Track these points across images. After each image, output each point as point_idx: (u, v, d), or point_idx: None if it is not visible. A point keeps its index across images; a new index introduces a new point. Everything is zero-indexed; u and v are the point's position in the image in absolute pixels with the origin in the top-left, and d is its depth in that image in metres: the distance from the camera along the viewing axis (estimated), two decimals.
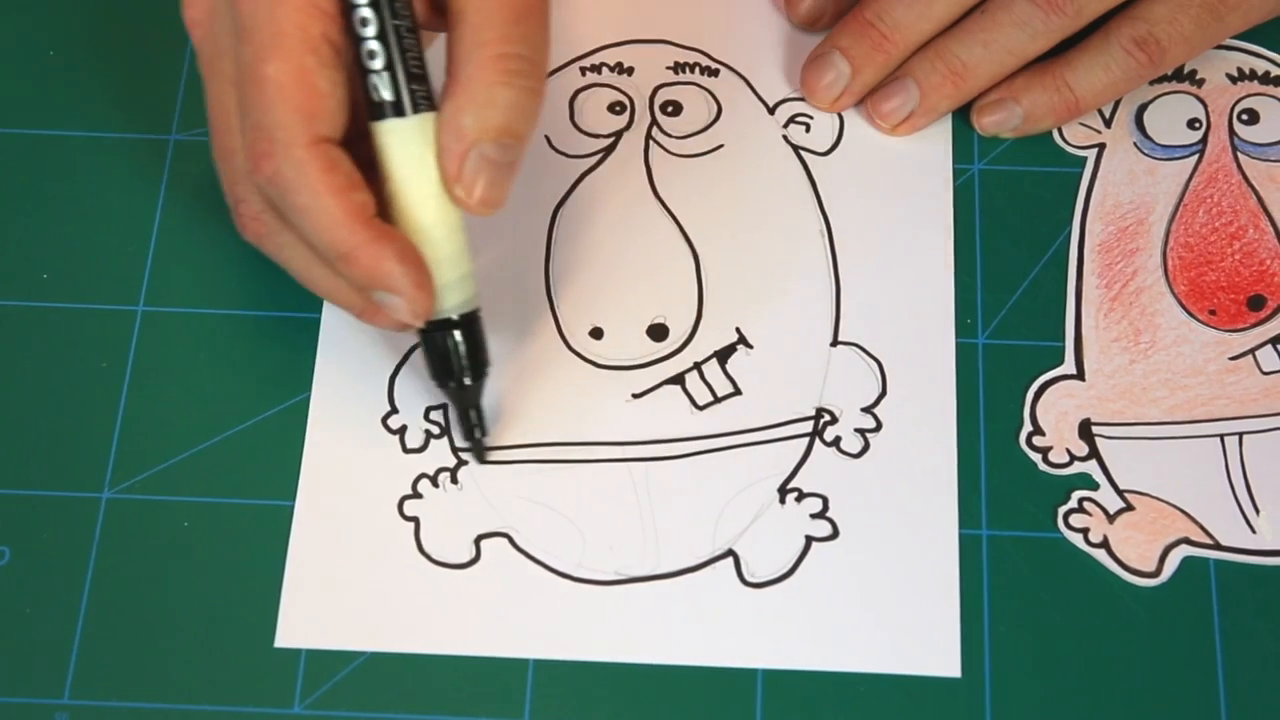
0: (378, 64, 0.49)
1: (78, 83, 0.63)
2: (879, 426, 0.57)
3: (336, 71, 0.48)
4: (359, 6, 0.48)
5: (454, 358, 0.53)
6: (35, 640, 0.54)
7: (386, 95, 0.49)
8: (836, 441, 0.57)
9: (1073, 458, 0.56)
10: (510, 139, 0.49)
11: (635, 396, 0.57)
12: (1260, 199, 0.60)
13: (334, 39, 0.48)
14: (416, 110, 0.49)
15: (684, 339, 0.58)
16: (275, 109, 0.48)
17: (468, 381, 0.53)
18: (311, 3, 0.48)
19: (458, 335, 0.52)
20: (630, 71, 0.63)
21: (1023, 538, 0.55)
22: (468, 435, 0.55)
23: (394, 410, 0.57)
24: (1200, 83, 0.63)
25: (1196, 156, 0.61)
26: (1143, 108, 0.62)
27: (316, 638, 0.54)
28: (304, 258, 0.52)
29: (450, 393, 0.54)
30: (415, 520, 0.56)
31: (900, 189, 0.61)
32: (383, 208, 0.50)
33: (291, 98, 0.48)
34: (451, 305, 0.52)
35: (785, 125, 0.62)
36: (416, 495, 0.56)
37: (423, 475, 0.56)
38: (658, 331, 0.59)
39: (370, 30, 0.48)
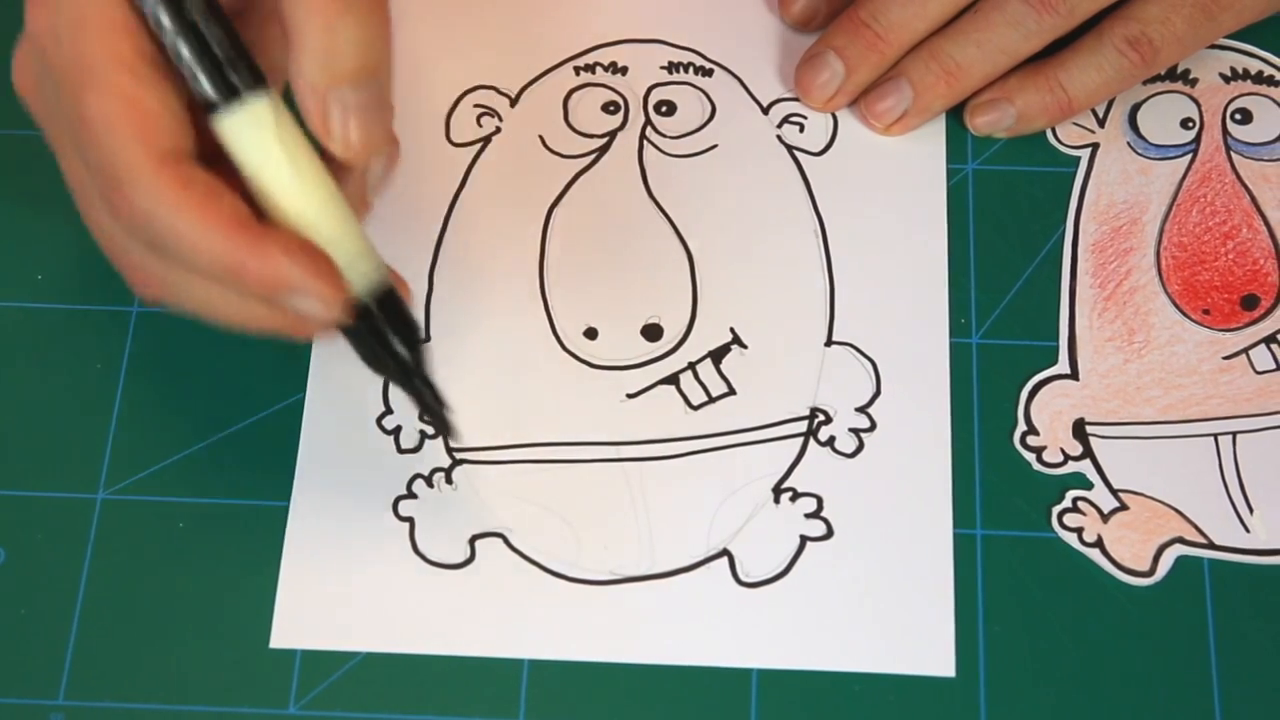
0: (185, 59, 0.45)
1: None
2: (873, 426, 0.57)
3: (162, 85, 0.45)
4: (149, 8, 0.45)
5: (380, 338, 0.48)
6: (30, 641, 0.54)
7: (208, 90, 0.45)
8: (831, 441, 0.57)
9: (1067, 457, 0.56)
10: (365, 75, 0.46)
11: (630, 396, 0.58)
12: (1254, 198, 0.60)
13: (148, 52, 0.45)
14: (240, 96, 0.45)
15: (678, 339, 0.58)
16: (107, 142, 0.44)
17: (404, 355, 0.49)
18: (110, 23, 0.45)
19: (376, 318, 0.48)
20: (624, 71, 0.63)
21: (1017, 537, 0.55)
22: (425, 412, 0.50)
23: (388, 411, 0.57)
24: (1193, 82, 0.63)
25: (1190, 156, 0.61)
26: (1136, 107, 0.62)
27: (311, 638, 0.54)
28: (204, 293, 0.47)
29: (394, 375, 0.50)
30: (410, 520, 0.56)
31: (894, 189, 0.61)
32: (258, 211, 0.46)
33: (119, 125, 0.44)
34: (357, 288, 0.47)
35: (779, 125, 0.62)
36: (411, 496, 0.56)
37: (417, 475, 0.56)
38: (652, 331, 0.59)
39: (167, 29, 0.45)
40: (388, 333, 0.48)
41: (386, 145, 0.47)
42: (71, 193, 0.49)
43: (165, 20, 0.45)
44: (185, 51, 0.45)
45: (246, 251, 0.44)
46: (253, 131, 0.46)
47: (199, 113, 0.46)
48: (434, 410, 0.50)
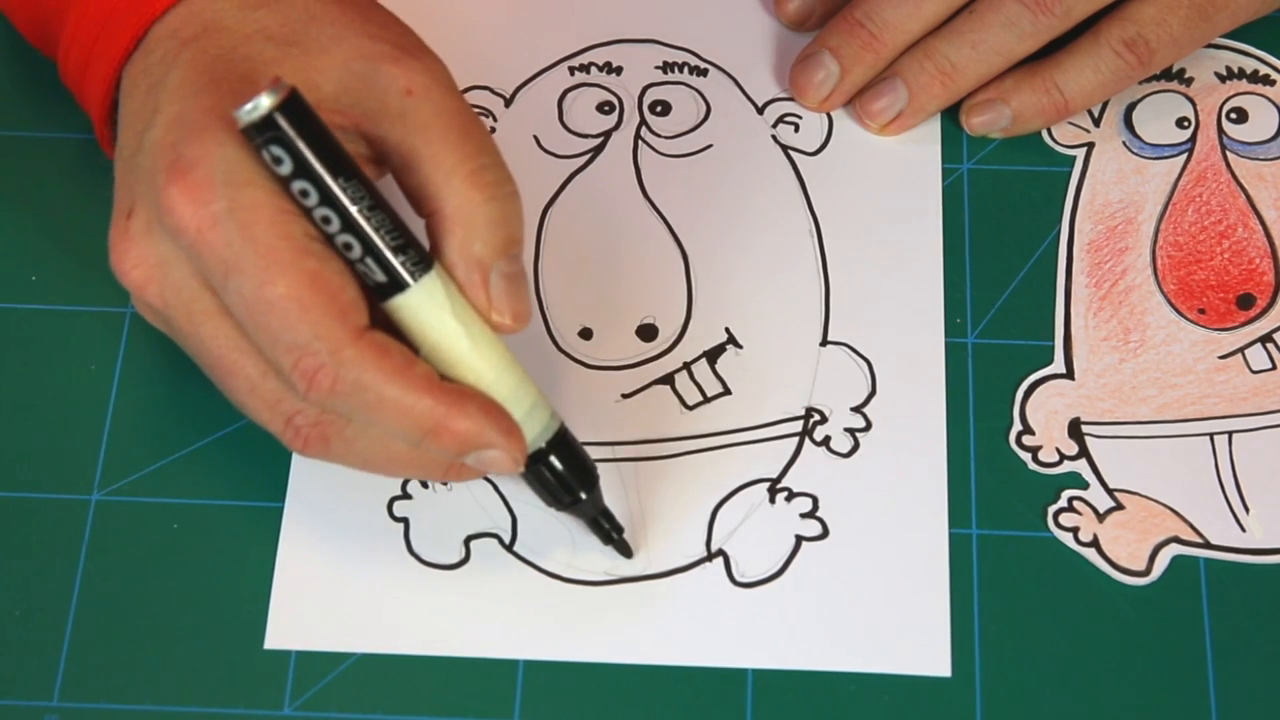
0: (356, 253, 0.46)
1: None
2: (869, 426, 0.57)
3: (337, 263, 0.47)
4: (314, 209, 0.46)
5: (559, 483, 0.51)
6: (25, 642, 0.54)
7: (381, 278, 0.47)
8: (826, 441, 0.57)
9: (1062, 457, 0.56)
10: (516, 248, 0.48)
11: (625, 397, 0.57)
12: (1249, 197, 0.60)
13: (318, 234, 0.47)
14: (415, 278, 0.47)
15: (673, 339, 0.58)
16: (305, 322, 0.46)
17: (582, 497, 0.52)
18: (279, 211, 0.46)
19: (554, 460, 0.51)
20: (619, 71, 0.63)
21: (1013, 537, 0.55)
22: (606, 540, 0.54)
23: None
24: (1189, 82, 0.63)
25: (1185, 155, 0.61)
26: (1131, 107, 0.62)
27: (306, 639, 0.54)
28: (378, 447, 0.50)
29: (571, 511, 0.53)
30: (405, 521, 0.56)
31: (889, 188, 0.61)
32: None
33: (315, 305, 0.46)
34: (535, 436, 0.50)
35: (774, 125, 0.62)
36: (406, 496, 0.56)
37: None
38: (647, 332, 0.58)
39: (334, 226, 0.46)
40: (565, 475, 0.51)
41: (530, 315, 0.49)
42: (213, 367, 0.49)
43: (333, 221, 0.46)
44: (356, 245, 0.46)
45: (448, 413, 0.47)
46: (429, 310, 0.47)
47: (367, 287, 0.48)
48: (611, 540, 0.54)
